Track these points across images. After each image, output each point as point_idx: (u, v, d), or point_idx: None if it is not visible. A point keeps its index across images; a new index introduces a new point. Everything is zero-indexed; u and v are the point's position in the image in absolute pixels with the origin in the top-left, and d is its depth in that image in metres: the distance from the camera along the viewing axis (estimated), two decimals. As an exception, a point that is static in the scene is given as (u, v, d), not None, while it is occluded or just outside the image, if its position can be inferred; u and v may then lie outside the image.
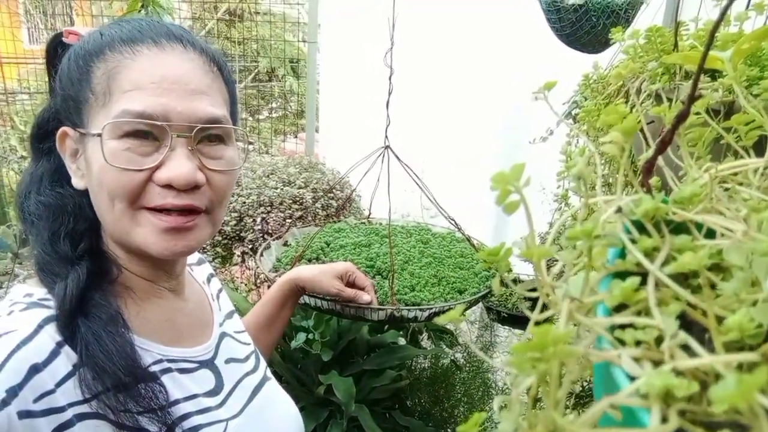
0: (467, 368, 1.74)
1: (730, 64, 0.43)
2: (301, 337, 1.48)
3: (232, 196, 1.84)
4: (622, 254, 0.25)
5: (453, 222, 1.39)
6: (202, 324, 0.78)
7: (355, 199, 2.00)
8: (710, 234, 0.27)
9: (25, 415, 0.52)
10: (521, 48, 2.18)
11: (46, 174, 0.69)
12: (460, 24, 2.46)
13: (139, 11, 1.72)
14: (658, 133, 0.53)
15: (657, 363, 0.18)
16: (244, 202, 1.83)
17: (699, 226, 0.28)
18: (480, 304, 1.96)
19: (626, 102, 0.68)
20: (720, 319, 0.20)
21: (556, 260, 0.27)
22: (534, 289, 0.25)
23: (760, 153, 0.38)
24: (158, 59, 0.62)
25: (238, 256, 1.98)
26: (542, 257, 0.22)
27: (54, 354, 0.57)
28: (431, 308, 1.07)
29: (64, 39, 0.68)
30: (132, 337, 0.62)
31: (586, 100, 0.81)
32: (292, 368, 1.53)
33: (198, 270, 0.88)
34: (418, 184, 1.33)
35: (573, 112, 1.18)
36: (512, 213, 0.22)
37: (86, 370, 0.57)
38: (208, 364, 0.74)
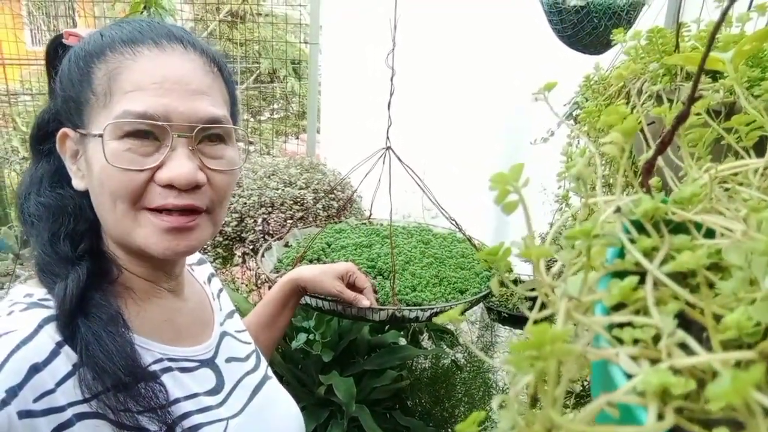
0: (468, 368, 1.74)
1: (731, 65, 0.43)
2: (302, 337, 1.48)
3: (233, 197, 1.84)
4: (621, 254, 0.25)
5: (454, 222, 1.39)
6: (203, 323, 0.78)
7: (356, 200, 2.00)
8: (710, 234, 0.28)
9: (25, 414, 0.53)
10: (522, 49, 2.18)
11: (46, 175, 0.69)
12: (461, 25, 2.46)
13: (142, 13, 1.72)
14: (659, 134, 0.53)
15: (654, 361, 0.18)
16: (245, 203, 1.83)
17: (699, 227, 0.28)
18: (481, 305, 1.96)
19: (627, 103, 0.69)
20: (718, 318, 0.20)
21: (556, 260, 0.27)
22: (534, 289, 0.25)
23: (760, 153, 0.38)
24: (159, 60, 0.62)
25: (239, 256, 1.98)
26: (541, 257, 0.23)
27: (54, 354, 0.57)
28: (432, 308, 1.08)
29: (64, 40, 0.68)
30: (132, 336, 0.62)
31: (587, 101, 0.81)
32: (292, 368, 1.54)
33: (199, 270, 0.89)
34: (419, 185, 1.33)
35: (574, 113, 1.18)
36: (511, 213, 0.22)
37: (86, 369, 0.57)
38: (209, 363, 0.74)
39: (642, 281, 0.22)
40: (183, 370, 0.69)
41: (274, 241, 1.40)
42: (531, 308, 0.25)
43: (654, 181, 0.40)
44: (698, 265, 0.20)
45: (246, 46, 4.18)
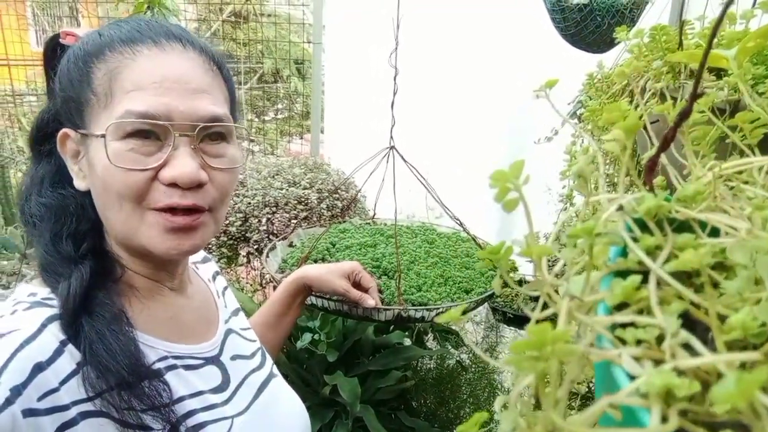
0: (473, 369, 1.73)
1: (735, 62, 0.43)
2: (307, 337, 1.48)
3: (237, 197, 1.85)
4: (624, 253, 0.24)
5: (458, 221, 1.38)
6: (207, 321, 0.79)
7: (360, 200, 2.00)
8: (715, 233, 0.27)
9: (29, 413, 0.53)
10: (526, 48, 2.17)
11: (47, 176, 0.69)
12: (464, 25, 2.45)
13: (145, 13, 1.72)
14: (662, 132, 0.52)
15: (658, 362, 0.18)
16: (250, 203, 1.84)
17: (703, 226, 0.28)
18: (486, 306, 1.95)
19: (631, 101, 0.68)
20: (723, 318, 0.20)
21: (559, 259, 0.27)
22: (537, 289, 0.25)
23: (765, 151, 0.37)
24: (158, 59, 0.62)
25: (244, 256, 1.98)
26: (542, 255, 0.22)
27: (58, 352, 0.57)
28: (438, 308, 1.07)
29: (61, 40, 0.68)
30: (136, 334, 0.63)
31: (590, 99, 0.80)
32: (297, 368, 1.54)
33: (203, 268, 0.89)
34: (423, 185, 1.33)
35: (578, 112, 1.18)
36: (511, 210, 0.22)
37: (90, 368, 0.57)
38: (214, 360, 0.74)
39: (645, 280, 0.22)
40: (188, 367, 0.69)
41: (279, 241, 1.40)
42: (535, 309, 0.25)
43: (658, 179, 0.39)
44: (701, 264, 0.20)
45: (249, 46, 4.18)
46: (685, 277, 0.24)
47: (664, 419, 0.16)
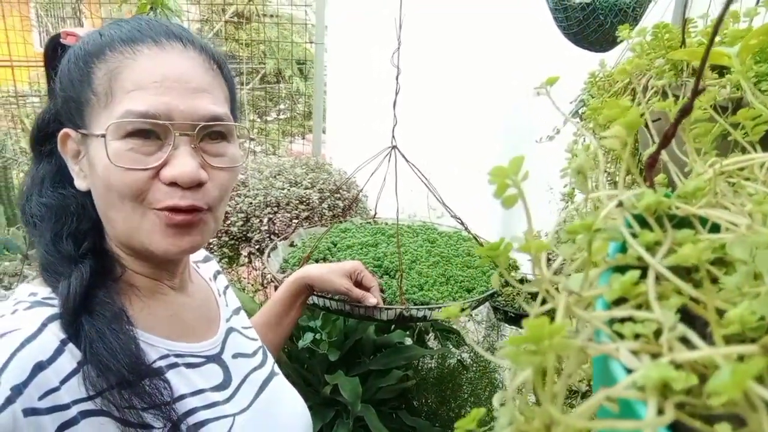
0: (474, 368, 1.73)
1: (738, 60, 0.43)
2: (308, 337, 1.49)
3: (239, 197, 1.85)
4: (624, 249, 0.24)
5: (459, 220, 1.38)
6: (209, 319, 0.79)
7: (362, 200, 2.00)
8: (715, 230, 0.27)
9: (30, 412, 0.53)
10: (528, 47, 2.17)
11: (48, 176, 0.69)
12: (466, 25, 2.45)
13: (148, 14, 1.73)
14: (664, 129, 0.52)
15: (655, 356, 0.18)
16: (251, 203, 1.84)
17: (704, 222, 0.28)
18: (487, 305, 1.95)
19: (633, 99, 0.68)
20: (723, 313, 0.20)
21: (558, 255, 0.27)
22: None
23: (766, 148, 0.37)
24: (158, 58, 0.62)
25: (245, 256, 1.98)
26: (540, 251, 0.22)
27: (58, 352, 0.57)
28: (440, 307, 1.07)
29: (62, 40, 0.68)
30: (137, 333, 0.63)
31: (593, 98, 0.80)
32: (298, 368, 1.54)
33: (204, 267, 0.89)
34: (425, 184, 1.33)
35: (580, 111, 1.18)
36: (510, 206, 0.22)
37: (90, 367, 0.57)
38: (215, 358, 0.74)
39: (644, 276, 0.22)
40: (189, 365, 0.69)
41: (280, 240, 1.40)
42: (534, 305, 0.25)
43: (660, 177, 0.39)
44: (699, 259, 0.20)
45: (252, 47, 4.19)
46: (685, 273, 0.24)
47: (661, 412, 0.16)
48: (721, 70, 0.56)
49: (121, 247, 0.68)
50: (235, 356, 0.77)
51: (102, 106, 0.61)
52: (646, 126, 0.50)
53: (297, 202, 1.85)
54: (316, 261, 1.24)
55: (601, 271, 0.23)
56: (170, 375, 0.65)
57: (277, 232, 1.79)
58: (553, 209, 1.28)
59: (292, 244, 1.41)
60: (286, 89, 5.27)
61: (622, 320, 0.21)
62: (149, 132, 0.61)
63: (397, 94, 1.23)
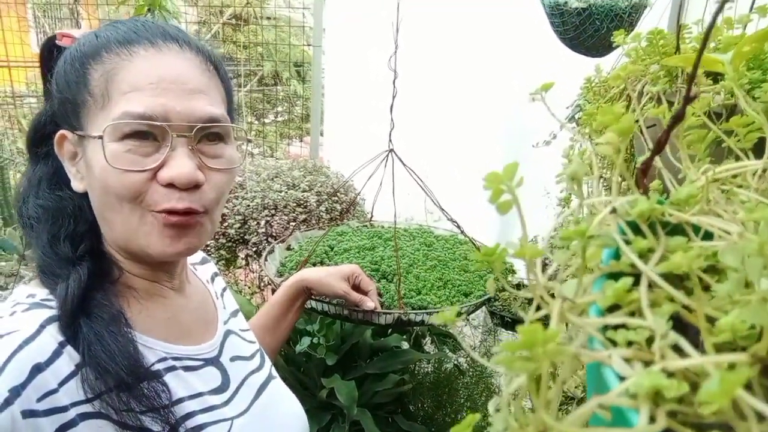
0: (470, 373, 1.73)
1: (731, 67, 0.43)
2: (306, 341, 1.48)
3: (236, 199, 1.85)
4: (617, 255, 0.25)
5: (455, 223, 1.39)
6: (206, 322, 0.79)
7: (359, 203, 2.00)
8: (709, 237, 0.27)
9: (28, 414, 0.53)
10: (524, 52, 2.18)
11: (45, 177, 0.69)
12: (463, 29, 2.46)
13: (145, 15, 1.73)
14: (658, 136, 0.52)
15: (648, 363, 0.18)
16: (248, 205, 1.84)
17: (697, 229, 0.28)
18: (484, 309, 1.95)
19: (628, 105, 0.68)
20: (714, 321, 0.20)
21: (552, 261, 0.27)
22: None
23: (759, 155, 0.37)
24: (155, 60, 0.62)
25: (242, 259, 1.98)
26: (534, 257, 0.22)
27: (56, 354, 0.57)
28: (438, 312, 1.07)
29: (58, 42, 0.68)
30: (135, 335, 0.63)
31: (589, 103, 0.81)
32: (294, 371, 1.53)
33: (202, 269, 0.89)
34: (422, 188, 1.33)
35: (576, 116, 1.18)
36: (505, 212, 0.22)
37: (89, 369, 0.57)
38: (213, 361, 0.74)
39: (637, 283, 0.22)
40: (187, 368, 0.69)
41: (277, 243, 1.40)
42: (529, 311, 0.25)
43: (655, 183, 0.40)
44: (690, 267, 0.20)
45: (249, 49, 4.19)
46: (678, 280, 0.25)
47: (653, 419, 0.16)
48: (716, 77, 0.57)
49: (118, 249, 0.67)
50: (233, 359, 0.77)
51: (98, 107, 0.61)
52: (642, 132, 0.50)
53: (294, 204, 1.85)
54: (314, 264, 1.24)
55: (595, 278, 0.23)
56: (168, 378, 0.65)
57: (274, 234, 1.79)
58: (549, 214, 1.29)
59: (288, 248, 1.40)
60: (283, 92, 5.27)
61: (616, 327, 0.21)
62: (146, 133, 0.61)
63: (394, 98, 1.23)
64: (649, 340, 0.19)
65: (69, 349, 0.58)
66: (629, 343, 0.19)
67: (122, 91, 0.60)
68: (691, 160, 0.38)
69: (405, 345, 1.66)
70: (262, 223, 1.81)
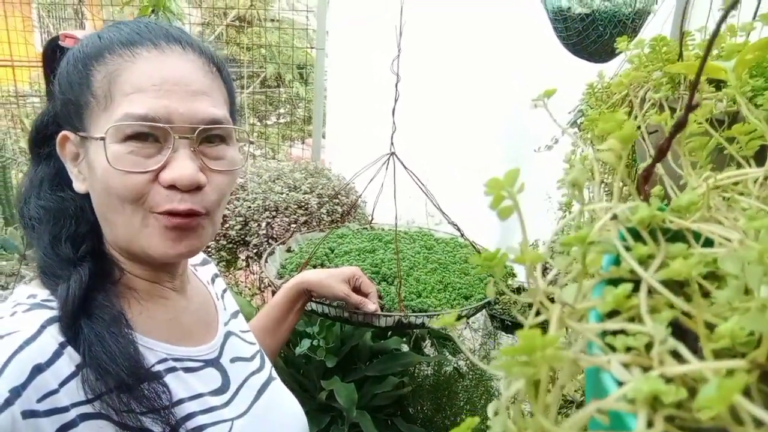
0: (470, 376, 1.73)
1: (734, 74, 0.43)
2: (306, 343, 1.48)
3: (238, 200, 1.85)
4: (617, 262, 0.25)
5: (456, 226, 1.39)
6: (207, 323, 0.79)
7: (361, 205, 2.00)
8: (711, 244, 0.27)
9: (29, 414, 0.53)
10: (527, 56, 2.18)
11: (46, 178, 0.69)
12: (466, 32, 2.46)
13: (149, 17, 1.73)
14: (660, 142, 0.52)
15: (646, 369, 0.18)
16: (250, 207, 1.84)
17: (698, 236, 0.28)
18: (484, 313, 1.95)
19: (631, 112, 0.68)
20: (714, 327, 0.20)
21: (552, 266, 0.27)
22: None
23: (761, 163, 0.38)
24: (158, 61, 0.62)
25: (243, 260, 1.98)
26: (535, 262, 0.23)
27: (57, 354, 0.57)
28: (438, 315, 1.07)
29: (60, 42, 0.68)
30: (136, 336, 0.63)
31: (591, 108, 0.81)
32: (294, 373, 1.53)
33: (202, 270, 0.89)
34: (423, 191, 1.33)
35: (578, 121, 1.18)
36: (506, 218, 0.22)
37: (89, 370, 0.57)
38: (214, 362, 0.74)
39: (637, 289, 0.22)
40: (187, 370, 0.69)
41: (278, 245, 1.40)
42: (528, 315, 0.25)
43: (656, 190, 0.40)
44: (689, 273, 0.20)
45: (253, 51, 4.20)
46: (678, 287, 0.25)
47: (650, 424, 0.16)
48: (718, 84, 0.57)
49: (120, 250, 0.68)
50: (233, 360, 0.77)
51: (101, 108, 0.61)
52: (644, 138, 0.50)
53: (295, 206, 1.85)
54: (314, 267, 1.24)
55: (595, 284, 0.23)
56: (169, 379, 0.65)
57: (275, 236, 1.79)
58: (551, 218, 1.29)
59: (289, 250, 1.41)
60: (286, 94, 5.28)
61: (615, 333, 0.21)
62: (148, 135, 0.61)
63: (396, 101, 1.23)
64: (648, 346, 0.19)
65: (69, 349, 0.58)
66: (628, 349, 0.20)
67: (125, 93, 0.61)
68: (692, 167, 0.38)
69: (405, 348, 1.66)
70: (263, 224, 1.81)
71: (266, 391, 0.80)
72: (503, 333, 1.98)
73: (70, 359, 0.58)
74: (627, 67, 0.72)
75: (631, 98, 0.61)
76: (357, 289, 1.06)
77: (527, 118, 2.24)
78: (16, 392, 0.52)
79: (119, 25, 0.66)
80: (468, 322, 1.93)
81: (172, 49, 0.64)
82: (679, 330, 0.22)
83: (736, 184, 0.34)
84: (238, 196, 1.87)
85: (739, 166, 0.39)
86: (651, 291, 0.22)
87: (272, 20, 4.35)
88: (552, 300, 0.24)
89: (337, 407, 1.38)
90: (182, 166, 0.61)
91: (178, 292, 0.75)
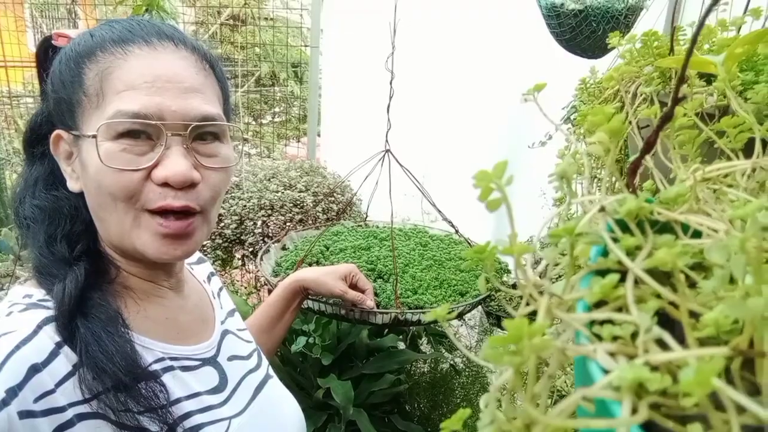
0: (467, 372, 1.73)
1: (723, 68, 0.44)
2: (302, 341, 1.49)
3: (233, 199, 1.85)
4: (605, 253, 0.25)
5: (450, 223, 1.39)
6: (203, 322, 0.79)
7: (356, 203, 2.00)
8: (699, 235, 0.28)
9: (25, 415, 0.53)
10: (521, 52, 2.18)
11: (41, 178, 0.69)
12: (460, 30, 2.46)
13: (143, 16, 1.73)
14: (652, 136, 0.53)
15: (632, 357, 0.19)
16: (245, 205, 1.84)
17: (686, 228, 0.28)
18: (480, 309, 1.95)
19: (623, 106, 0.69)
20: (699, 317, 0.20)
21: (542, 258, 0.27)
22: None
23: (749, 155, 0.38)
24: (150, 58, 0.62)
25: (239, 259, 1.98)
26: (522, 253, 0.23)
27: (53, 354, 0.57)
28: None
29: (53, 42, 0.68)
30: (132, 335, 0.63)
31: (583, 104, 0.81)
32: (290, 371, 1.54)
33: (198, 269, 0.89)
34: (418, 188, 1.34)
35: (572, 117, 1.19)
36: (494, 210, 0.23)
37: (86, 370, 0.57)
38: (211, 361, 0.74)
39: (624, 279, 0.22)
40: (185, 368, 0.69)
41: (273, 243, 1.40)
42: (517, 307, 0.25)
43: (648, 184, 0.40)
44: (674, 262, 0.20)
45: (247, 50, 4.19)
46: (665, 277, 0.25)
47: (635, 411, 0.16)
48: (709, 78, 0.57)
49: (114, 248, 0.68)
50: (230, 359, 0.77)
51: (93, 106, 0.61)
52: (636, 132, 0.50)
53: (291, 205, 1.85)
54: (310, 264, 1.24)
55: (583, 275, 0.24)
56: (166, 378, 0.65)
57: (270, 234, 1.79)
58: (546, 214, 1.29)
59: (284, 248, 1.41)
60: (281, 92, 5.28)
61: (602, 322, 0.21)
62: (141, 132, 0.61)
63: (390, 98, 1.23)
64: (634, 335, 0.19)
65: (66, 349, 0.58)
66: (614, 338, 0.20)
67: (117, 90, 0.60)
68: (682, 161, 0.39)
69: (401, 345, 1.67)
70: (259, 223, 1.81)
71: (263, 389, 0.80)
72: (499, 330, 1.98)
73: (66, 359, 0.57)
74: (620, 62, 0.73)
75: (622, 93, 0.61)
76: (354, 286, 1.06)
77: (521, 116, 2.25)
78: (13, 392, 0.52)
79: (111, 23, 0.65)
80: (464, 319, 1.94)
81: (164, 47, 0.64)
82: (667, 320, 0.22)
83: (725, 176, 0.35)
84: (233, 194, 1.87)
85: (728, 158, 0.39)
86: (638, 282, 0.22)
87: (266, 19, 4.34)
88: (541, 292, 0.24)
89: (333, 405, 1.38)
90: (175, 163, 0.61)
91: (174, 290, 0.75)
